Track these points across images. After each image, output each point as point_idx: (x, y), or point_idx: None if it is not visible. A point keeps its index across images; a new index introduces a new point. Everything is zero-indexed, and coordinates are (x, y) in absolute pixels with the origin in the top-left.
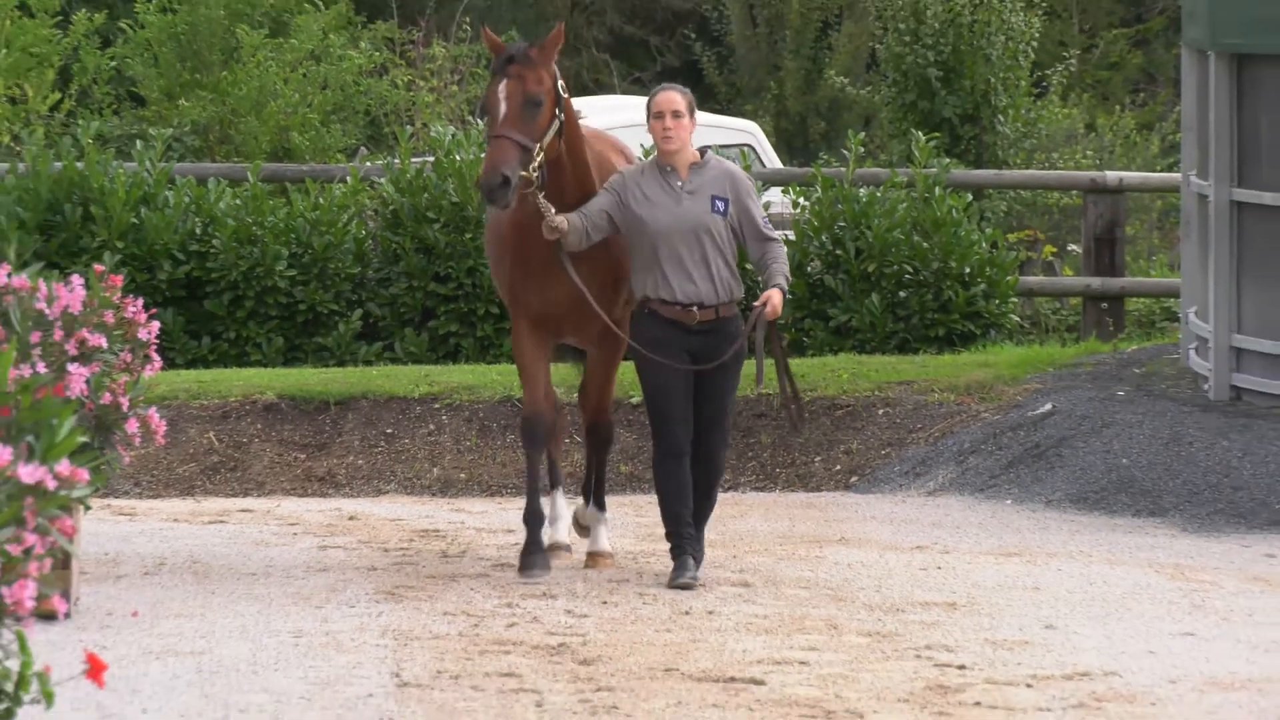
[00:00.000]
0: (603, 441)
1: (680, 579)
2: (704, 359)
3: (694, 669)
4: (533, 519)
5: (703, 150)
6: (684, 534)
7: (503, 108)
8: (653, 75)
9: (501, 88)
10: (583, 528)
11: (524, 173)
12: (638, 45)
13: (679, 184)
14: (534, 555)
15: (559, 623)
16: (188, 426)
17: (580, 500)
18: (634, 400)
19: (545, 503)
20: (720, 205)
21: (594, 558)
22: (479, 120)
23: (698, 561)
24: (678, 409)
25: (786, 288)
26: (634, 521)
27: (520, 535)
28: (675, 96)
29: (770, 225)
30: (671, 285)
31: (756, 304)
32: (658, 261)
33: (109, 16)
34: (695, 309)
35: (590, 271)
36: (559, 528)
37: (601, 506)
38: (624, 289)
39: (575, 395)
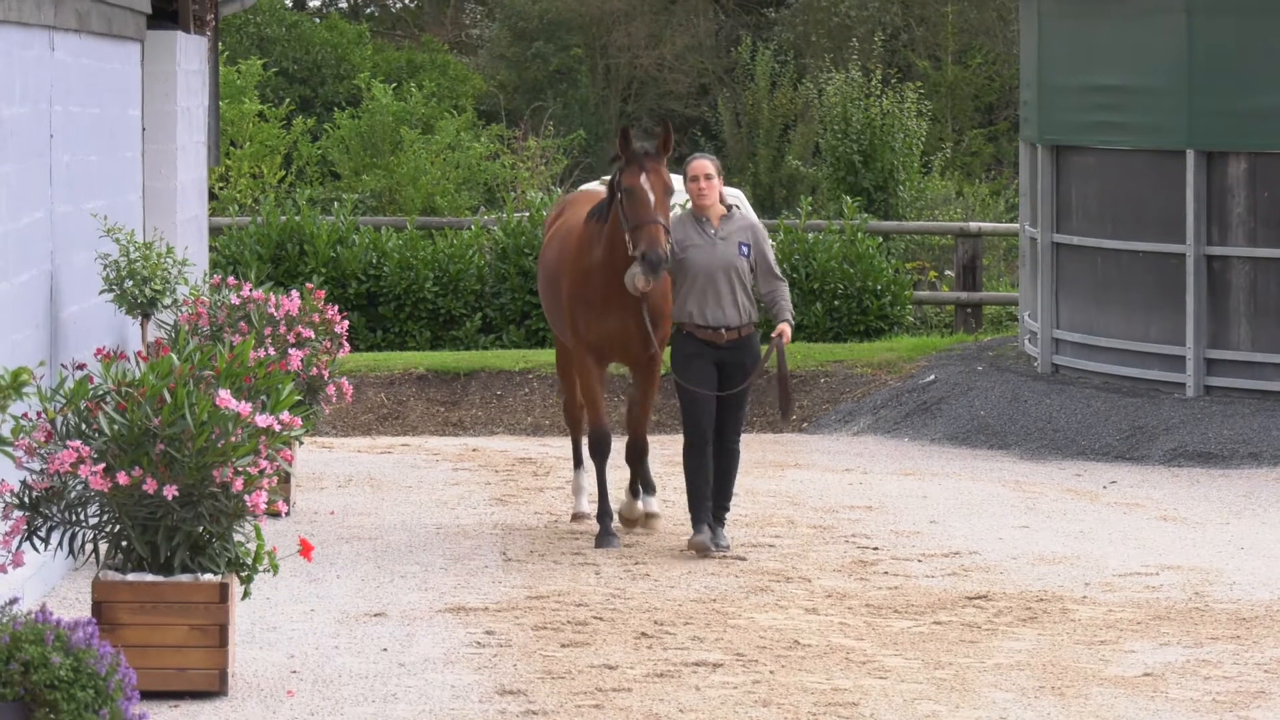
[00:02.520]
0: (638, 455)
1: (697, 539)
2: (729, 368)
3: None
4: (604, 518)
5: (728, 205)
6: (703, 507)
7: (651, 196)
8: (672, 159)
9: (645, 180)
10: (626, 520)
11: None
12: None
13: (713, 231)
14: (608, 537)
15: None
16: (367, 390)
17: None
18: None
19: (589, 495)
20: (745, 249)
21: (649, 519)
22: (558, 189)
23: (713, 529)
24: (705, 411)
25: (793, 321)
26: (659, 453)
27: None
28: (706, 163)
29: (779, 267)
30: (706, 312)
31: (774, 334)
32: (696, 292)
33: (318, 120)
34: (723, 330)
35: (644, 310)
36: (582, 500)
37: (651, 490)
38: (667, 324)
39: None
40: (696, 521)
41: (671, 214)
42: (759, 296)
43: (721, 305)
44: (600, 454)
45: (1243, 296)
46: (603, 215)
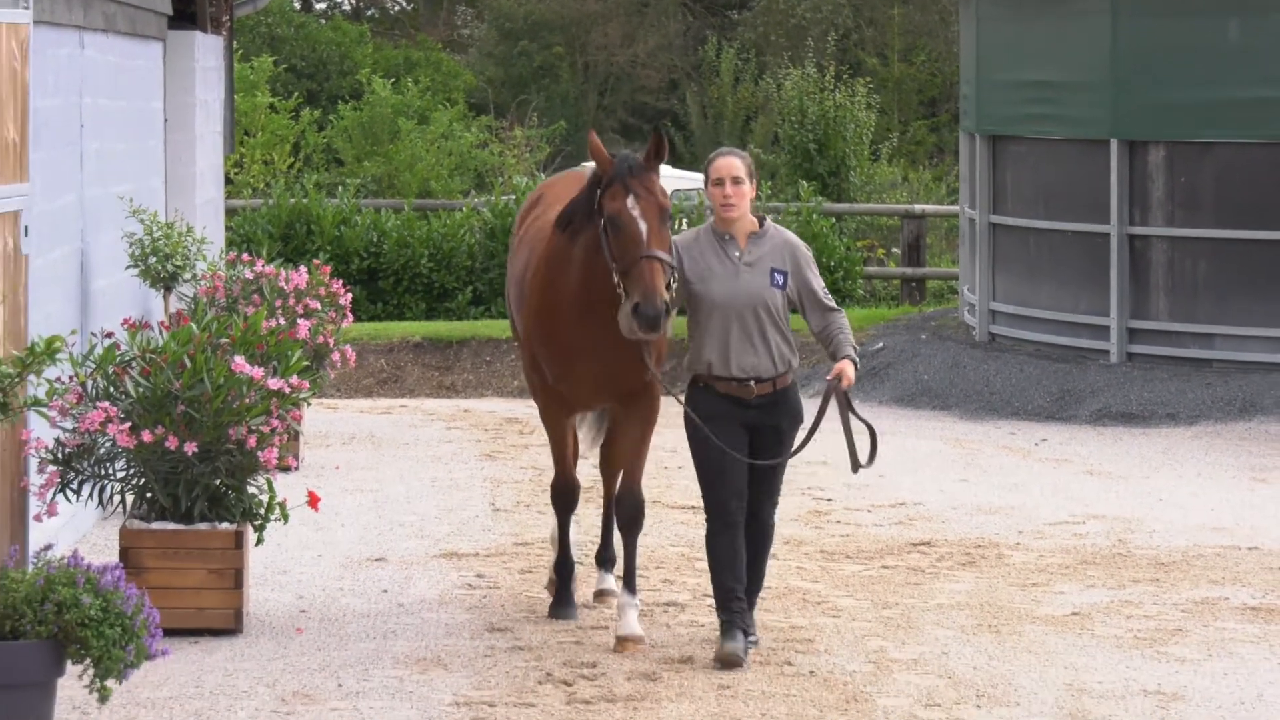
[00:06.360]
0: (631, 519)
1: (728, 648)
2: (762, 432)
3: (667, 493)
4: (564, 572)
5: (761, 219)
6: (734, 607)
7: (642, 225)
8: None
9: (633, 203)
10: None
11: (669, 296)
12: (636, 130)
13: (737, 255)
14: (565, 606)
15: (589, 474)
16: (368, 356)
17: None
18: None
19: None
20: (779, 278)
21: (622, 642)
22: (541, 174)
23: (747, 635)
24: (731, 484)
25: (856, 358)
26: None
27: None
28: (735, 162)
29: (830, 296)
30: (728, 361)
31: (830, 377)
32: (714, 335)
33: (323, 112)
34: (753, 383)
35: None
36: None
37: (633, 590)
38: (663, 342)
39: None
40: (727, 626)
41: (683, 234)
42: (813, 334)
43: (749, 351)
44: (565, 508)
45: (1161, 272)
46: (575, 225)
